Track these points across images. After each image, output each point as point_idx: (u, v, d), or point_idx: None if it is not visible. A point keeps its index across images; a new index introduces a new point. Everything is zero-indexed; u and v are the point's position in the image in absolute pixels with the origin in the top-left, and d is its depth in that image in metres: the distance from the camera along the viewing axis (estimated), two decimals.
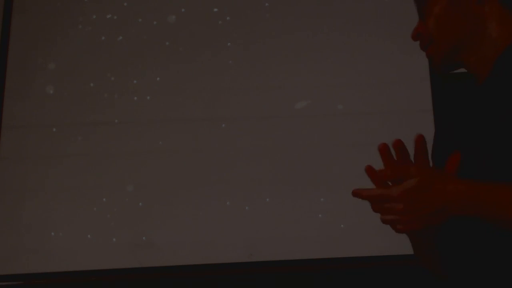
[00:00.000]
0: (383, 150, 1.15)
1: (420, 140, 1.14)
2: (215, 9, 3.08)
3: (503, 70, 1.23)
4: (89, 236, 2.84)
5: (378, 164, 1.18)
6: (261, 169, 2.88)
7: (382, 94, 2.95)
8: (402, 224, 1.13)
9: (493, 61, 1.26)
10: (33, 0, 3.12)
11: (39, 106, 2.98)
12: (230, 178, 2.88)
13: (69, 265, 2.80)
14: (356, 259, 2.76)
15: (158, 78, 3.01)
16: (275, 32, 3.04)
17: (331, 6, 3.07)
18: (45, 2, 3.11)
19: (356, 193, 1.16)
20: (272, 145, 2.91)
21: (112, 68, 3.01)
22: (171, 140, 2.93)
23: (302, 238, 2.79)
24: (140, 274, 2.80)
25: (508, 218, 1.12)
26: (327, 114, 2.94)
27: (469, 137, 1.25)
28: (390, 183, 1.17)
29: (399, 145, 1.14)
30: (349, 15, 3.05)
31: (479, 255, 1.23)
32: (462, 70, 1.39)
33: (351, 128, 2.91)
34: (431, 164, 1.20)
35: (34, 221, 2.85)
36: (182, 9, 3.09)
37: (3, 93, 2.99)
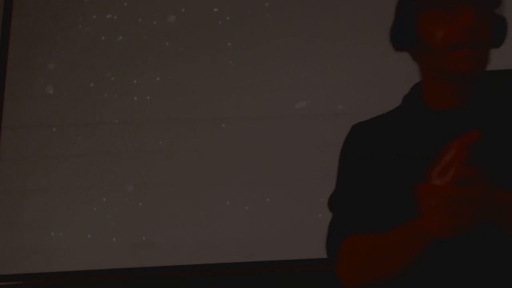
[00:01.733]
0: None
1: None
2: (215, 9, 3.08)
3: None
4: (89, 236, 2.83)
5: None
6: (261, 169, 2.88)
7: (382, 94, 2.95)
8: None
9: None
10: (33, 0, 3.12)
11: (39, 106, 2.98)
12: (230, 178, 2.88)
13: (69, 265, 2.80)
14: None
15: (158, 78, 3.01)
16: (275, 32, 3.03)
17: (332, 6, 3.06)
18: (45, 3, 3.11)
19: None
20: (272, 145, 2.91)
21: (112, 68, 3.01)
22: (171, 140, 2.93)
23: (302, 238, 2.79)
24: (140, 274, 2.80)
25: None
26: (327, 114, 2.93)
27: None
28: None
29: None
30: (349, 15, 3.04)
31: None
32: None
33: None
34: None
35: (34, 221, 2.85)
36: (182, 9, 3.09)
37: (3, 93, 2.99)
